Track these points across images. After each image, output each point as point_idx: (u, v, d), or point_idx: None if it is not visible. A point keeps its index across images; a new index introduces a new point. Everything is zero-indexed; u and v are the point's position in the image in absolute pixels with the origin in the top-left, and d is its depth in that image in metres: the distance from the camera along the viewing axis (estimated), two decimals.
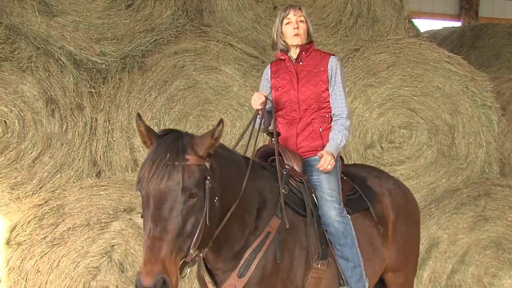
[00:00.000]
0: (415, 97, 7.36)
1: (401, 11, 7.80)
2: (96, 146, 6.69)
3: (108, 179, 6.54)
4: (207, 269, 4.12)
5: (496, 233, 7.22)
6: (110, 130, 6.69)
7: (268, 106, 4.69)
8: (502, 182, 7.44)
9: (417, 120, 7.41)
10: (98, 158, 6.70)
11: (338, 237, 4.34)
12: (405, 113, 7.39)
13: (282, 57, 4.75)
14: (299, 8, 4.68)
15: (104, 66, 6.85)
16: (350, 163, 6.76)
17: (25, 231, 6.21)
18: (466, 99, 7.48)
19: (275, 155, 4.39)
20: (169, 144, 3.46)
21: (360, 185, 4.85)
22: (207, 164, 3.49)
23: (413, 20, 12.27)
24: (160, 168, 3.35)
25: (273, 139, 4.59)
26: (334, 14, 7.59)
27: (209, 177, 3.46)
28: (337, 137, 4.53)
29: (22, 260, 6.18)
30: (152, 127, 6.53)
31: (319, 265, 4.24)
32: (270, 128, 4.82)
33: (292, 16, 4.62)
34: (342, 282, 4.40)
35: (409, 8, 8.18)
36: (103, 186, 6.44)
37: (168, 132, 3.62)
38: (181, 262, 3.34)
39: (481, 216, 7.19)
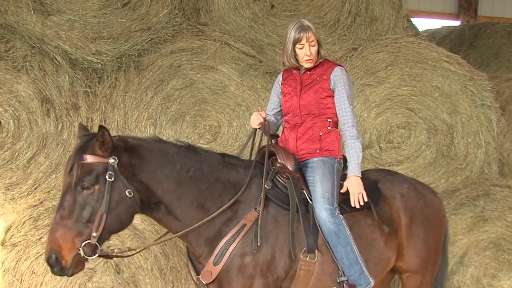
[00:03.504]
0: (413, 97, 7.33)
1: (400, 10, 7.77)
2: None
3: None
4: (190, 258, 4.68)
5: (496, 234, 7.18)
6: None
7: (275, 112, 5.19)
8: (502, 183, 7.39)
9: (416, 120, 7.38)
10: None
11: (330, 236, 4.56)
12: (403, 113, 7.36)
13: (292, 71, 5.03)
14: (311, 29, 4.81)
15: (100, 65, 6.83)
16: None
17: (20, 232, 6.16)
18: (465, 98, 7.45)
19: (275, 155, 4.78)
20: (78, 146, 4.19)
21: (367, 187, 4.89)
22: (111, 161, 4.08)
23: (411, 19, 12.26)
24: (67, 167, 4.10)
25: (273, 140, 4.96)
26: (332, 13, 7.57)
27: (110, 172, 4.06)
28: (353, 156, 4.80)
29: (17, 261, 6.14)
30: (148, 127, 6.66)
31: (307, 258, 4.51)
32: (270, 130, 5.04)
33: (305, 42, 4.79)
34: (340, 273, 4.63)
35: (407, 7, 8.17)
36: None
37: (86, 135, 4.29)
38: (84, 243, 3.99)
39: (480, 217, 7.15)
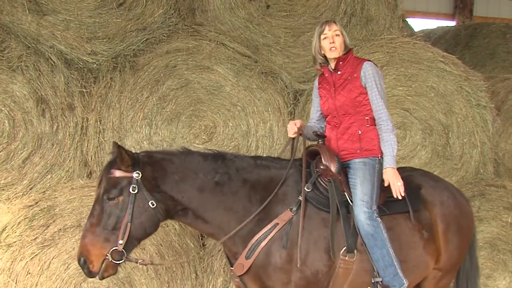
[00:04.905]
0: (409, 97, 7.33)
1: (395, 10, 7.76)
2: (87, 146, 6.66)
3: None
4: (226, 253, 5.01)
5: (491, 234, 7.20)
6: (102, 130, 6.66)
7: (319, 113, 5.37)
8: (497, 183, 7.41)
9: (411, 120, 7.38)
10: (89, 158, 6.66)
11: (367, 239, 4.74)
12: (399, 113, 7.36)
13: (322, 70, 5.24)
14: (334, 22, 5.12)
15: (95, 65, 6.82)
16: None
17: (15, 232, 6.16)
18: (461, 99, 7.45)
19: (320, 155, 4.98)
20: (109, 161, 4.64)
21: (409, 191, 5.03)
22: (135, 175, 4.48)
23: (407, 19, 12.28)
24: (98, 180, 4.57)
25: (319, 141, 5.16)
26: (328, 13, 7.56)
27: (134, 185, 4.45)
28: (388, 149, 4.95)
29: (12, 261, 6.13)
30: (143, 127, 6.68)
31: (346, 257, 4.72)
32: (315, 129, 5.29)
33: (327, 31, 5.06)
34: (375, 274, 4.81)
35: (403, 7, 8.14)
36: (94, 186, 6.27)
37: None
38: (111, 250, 4.37)
39: (475, 217, 7.09)
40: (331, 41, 5.01)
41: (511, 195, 7.36)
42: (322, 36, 5.06)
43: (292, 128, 5.06)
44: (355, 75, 5.00)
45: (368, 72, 4.97)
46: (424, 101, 7.40)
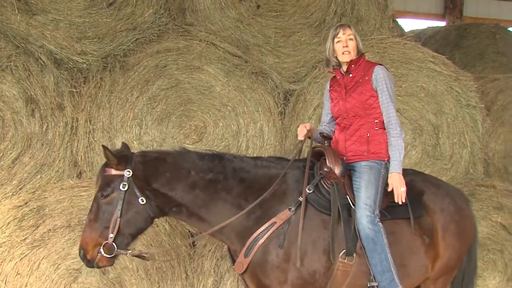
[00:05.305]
0: (399, 97, 7.33)
1: (385, 11, 7.78)
2: (77, 146, 6.63)
3: (89, 179, 6.47)
4: (229, 252, 5.09)
5: (481, 233, 7.20)
6: (91, 130, 6.64)
7: (330, 117, 5.43)
8: (487, 183, 7.45)
9: (402, 120, 7.34)
10: (79, 158, 6.64)
11: (367, 242, 4.77)
12: None
13: (334, 73, 5.33)
14: (348, 27, 5.20)
15: (85, 65, 6.79)
16: None
17: (5, 232, 6.14)
18: (451, 99, 7.48)
19: (325, 156, 5.03)
20: (105, 161, 4.78)
21: (412, 197, 5.08)
22: (126, 173, 4.65)
23: (397, 19, 12.30)
24: (96, 179, 4.84)
25: (325, 142, 5.27)
26: (318, 13, 7.57)
27: (124, 183, 4.63)
28: (395, 154, 4.98)
29: (2, 262, 6.11)
30: (134, 127, 6.64)
31: (345, 260, 4.75)
32: (322, 131, 5.39)
33: (341, 35, 5.15)
34: (371, 278, 4.85)
35: (393, 7, 8.17)
36: (84, 187, 6.39)
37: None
38: (104, 244, 4.57)
39: None
40: (344, 45, 5.10)
41: (501, 195, 7.40)
42: (336, 40, 5.15)
43: (302, 131, 5.16)
44: (367, 78, 5.07)
45: (379, 76, 5.03)
46: (414, 101, 7.43)
